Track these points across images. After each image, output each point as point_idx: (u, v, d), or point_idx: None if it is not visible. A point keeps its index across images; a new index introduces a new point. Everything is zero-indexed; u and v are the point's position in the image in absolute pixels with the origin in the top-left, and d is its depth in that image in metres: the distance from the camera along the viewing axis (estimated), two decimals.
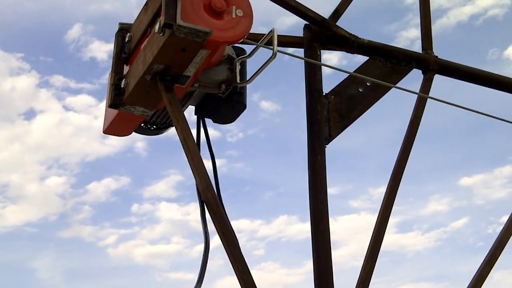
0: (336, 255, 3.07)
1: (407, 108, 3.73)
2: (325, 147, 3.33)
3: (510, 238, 3.73)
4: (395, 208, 3.36)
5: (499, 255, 3.63)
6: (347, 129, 3.47)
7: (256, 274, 2.46)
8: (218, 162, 3.23)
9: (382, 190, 3.46)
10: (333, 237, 3.15)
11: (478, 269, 3.55)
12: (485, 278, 3.52)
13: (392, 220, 3.30)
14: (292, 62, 3.51)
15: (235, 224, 2.53)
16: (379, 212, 3.35)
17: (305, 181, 3.29)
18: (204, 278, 2.69)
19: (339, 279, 3.07)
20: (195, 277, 2.68)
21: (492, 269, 3.55)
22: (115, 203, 15.53)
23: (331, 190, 3.23)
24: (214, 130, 3.29)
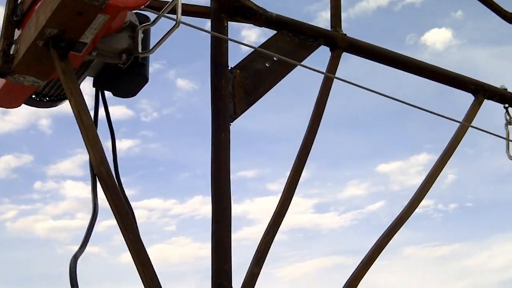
0: (251, 231, 3.10)
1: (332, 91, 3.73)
2: (230, 124, 3.27)
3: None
4: (313, 191, 3.41)
5: (398, 229, 3.78)
6: (269, 114, 3.44)
7: (166, 247, 2.45)
8: (131, 143, 3.15)
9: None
10: (249, 216, 3.15)
11: (377, 240, 3.67)
12: (383, 249, 3.66)
13: (309, 202, 3.36)
14: (209, 38, 3.42)
15: (147, 203, 2.49)
16: (284, 188, 3.39)
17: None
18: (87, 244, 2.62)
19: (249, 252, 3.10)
20: (98, 250, 2.64)
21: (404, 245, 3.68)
22: (16, 180, 15.33)
23: (249, 173, 3.21)
24: (127, 109, 3.18)
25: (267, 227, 3.23)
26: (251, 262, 3.10)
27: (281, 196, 3.35)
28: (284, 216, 3.29)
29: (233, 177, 3.19)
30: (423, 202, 3.97)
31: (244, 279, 3.04)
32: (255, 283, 3.05)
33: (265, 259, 3.14)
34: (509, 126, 4.80)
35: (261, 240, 3.18)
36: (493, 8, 5.31)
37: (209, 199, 3.16)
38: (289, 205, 3.32)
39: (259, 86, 3.46)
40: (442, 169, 4.27)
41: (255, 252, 3.15)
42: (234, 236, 3.09)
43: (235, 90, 3.36)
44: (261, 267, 3.11)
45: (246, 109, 3.38)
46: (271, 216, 3.26)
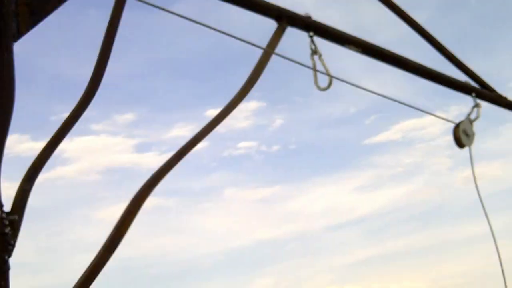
0: (66, 170, 3.05)
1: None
2: (13, 44, 3.13)
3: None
4: (137, 132, 3.40)
5: (189, 151, 3.85)
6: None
7: None
8: None
9: (127, 116, 3.46)
10: (65, 154, 3.09)
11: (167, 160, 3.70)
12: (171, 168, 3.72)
13: (130, 142, 3.36)
14: None
15: None
16: (73, 109, 3.34)
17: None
18: None
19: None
20: None
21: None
22: None
23: None
24: None
25: (45, 144, 3.18)
26: (22, 178, 3.05)
27: (67, 116, 3.29)
28: (65, 135, 3.25)
29: (56, 118, 3.12)
30: (246, 143, 4.10)
31: (15, 196, 2.98)
32: (26, 199, 3.01)
33: (37, 175, 3.08)
34: (314, 56, 4.91)
35: (37, 156, 3.12)
36: (493, 100, 5.59)
37: (26, 137, 3.06)
38: (72, 125, 3.28)
39: (46, 4, 3.32)
40: (245, 96, 4.37)
41: (28, 168, 3.09)
42: (46, 175, 3.03)
43: (18, 8, 3.19)
44: (33, 184, 3.06)
45: (31, 29, 3.24)
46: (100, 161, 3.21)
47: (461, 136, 5.42)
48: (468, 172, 5.46)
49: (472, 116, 5.54)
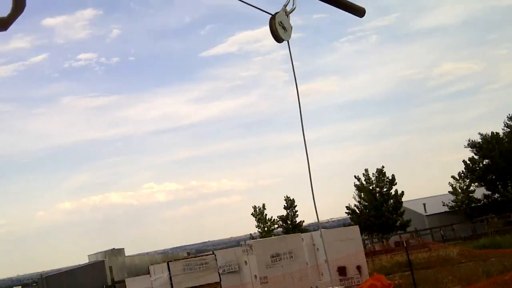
0: None
1: None
2: None
3: None
4: None
5: None
6: None
7: None
8: None
9: None
10: None
11: None
12: None
13: None
14: None
15: None
16: None
17: None
18: None
19: None
20: None
21: None
22: None
23: None
24: None
25: None
26: None
27: None
28: None
29: None
30: (86, 55, 3.11)
31: None
32: None
33: None
34: None
35: None
36: (346, 7, 5.24)
37: None
38: None
39: None
40: None
41: None
42: None
43: None
44: None
45: None
46: None
47: (278, 28, 4.81)
48: (304, 87, 4.99)
49: (288, 8, 4.96)
